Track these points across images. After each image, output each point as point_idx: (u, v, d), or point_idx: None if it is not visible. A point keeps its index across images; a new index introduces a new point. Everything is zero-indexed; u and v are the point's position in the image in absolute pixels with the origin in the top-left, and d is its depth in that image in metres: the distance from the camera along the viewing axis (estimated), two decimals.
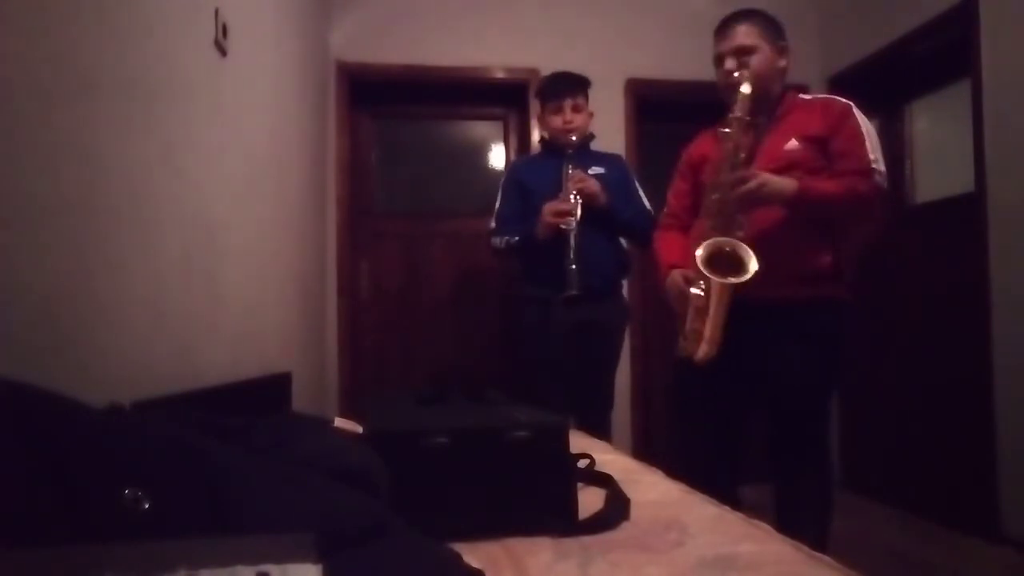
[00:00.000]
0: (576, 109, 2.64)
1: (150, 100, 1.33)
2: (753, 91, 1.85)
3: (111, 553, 0.46)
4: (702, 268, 1.78)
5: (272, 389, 2.03)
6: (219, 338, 1.69)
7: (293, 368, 2.33)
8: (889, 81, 3.51)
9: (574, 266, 2.35)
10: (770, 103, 1.95)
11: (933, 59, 3.27)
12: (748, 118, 1.84)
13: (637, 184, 2.71)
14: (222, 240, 1.72)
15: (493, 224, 2.72)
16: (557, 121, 2.63)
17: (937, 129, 3.48)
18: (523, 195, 2.65)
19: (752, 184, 1.77)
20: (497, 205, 2.74)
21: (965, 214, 2.91)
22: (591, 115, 2.70)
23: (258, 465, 0.68)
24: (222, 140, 1.73)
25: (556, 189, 2.51)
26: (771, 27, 1.96)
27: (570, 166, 2.51)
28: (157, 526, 0.54)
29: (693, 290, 1.86)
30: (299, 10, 2.73)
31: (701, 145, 2.10)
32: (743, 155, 1.84)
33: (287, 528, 0.54)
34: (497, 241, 2.68)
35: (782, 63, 1.98)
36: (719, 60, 1.96)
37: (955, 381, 3.02)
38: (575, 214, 2.40)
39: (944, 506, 3.01)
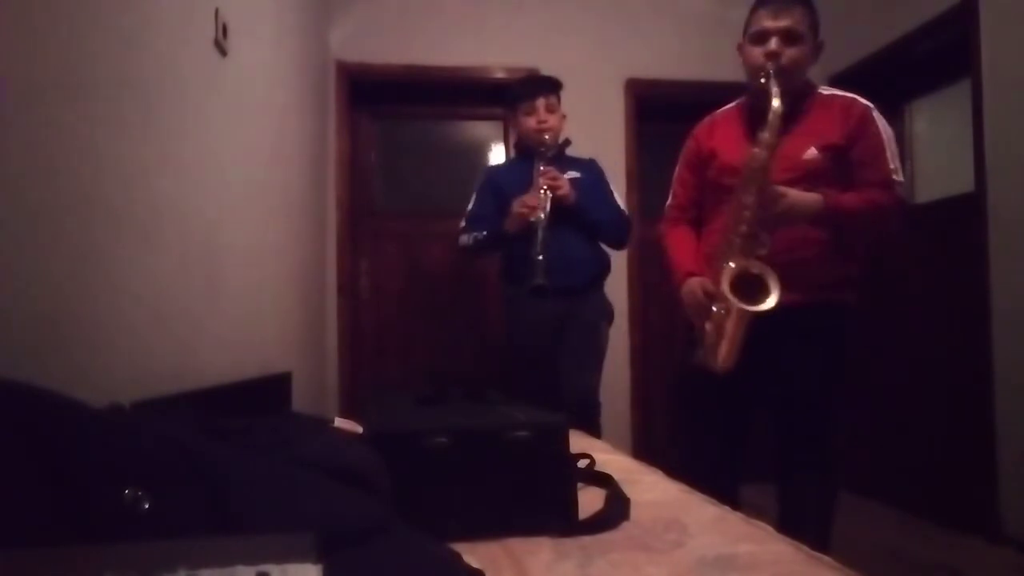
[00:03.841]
0: (549, 109, 2.61)
1: (150, 100, 1.33)
2: (783, 107, 1.72)
3: (111, 553, 0.46)
4: (728, 295, 1.73)
5: (272, 389, 2.03)
6: (219, 338, 1.69)
7: (293, 368, 2.33)
8: (889, 81, 3.51)
9: (540, 256, 2.34)
10: (790, 98, 1.80)
11: (933, 59, 3.27)
12: (775, 140, 1.72)
13: (612, 187, 2.70)
14: (222, 240, 1.72)
15: (463, 223, 2.70)
16: (531, 122, 2.61)
17: (937, 129, 3.48)
18: (497, 199, 2.62)
19: (779, 209, 1.71)
20: (469, 206, 2.72)
21: (965, 214, 2.91)
22: (564, 117, 2.67)
23: (258, 465, 0.68)
24: (222, 140, 1.73)
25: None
26: (816, 21, 1.86)
27: (541, 164, 2.50)
28: (157, 526, 0.54)
29: (715, 308, 1.82)
30: (299, 10, 2.73)
31: (712, 137, 2.01)
32: (769, 175, 1.72)
33: (287, 528, 0.54)
34: (465, 238, 2.66)
35: (813, 60, 1.89)
36: (762, 36, 1.81)
37: (955, 381, 3.02)
38: (544, 207, 2.41)
39: (944, 506, 3.01)
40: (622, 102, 3.66)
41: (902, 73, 3.45)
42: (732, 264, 1.74)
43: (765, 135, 1.72)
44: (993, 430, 2.73)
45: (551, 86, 2.67)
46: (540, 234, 2.36)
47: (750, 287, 1.72)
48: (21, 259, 0.94)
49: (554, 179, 2.47)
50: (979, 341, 2.79)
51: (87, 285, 1.11)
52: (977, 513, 2.78)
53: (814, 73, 3.57)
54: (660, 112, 3.62)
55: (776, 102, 1.72)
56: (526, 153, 2.67)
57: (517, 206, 2.46)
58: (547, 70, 3.18)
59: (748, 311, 1.71)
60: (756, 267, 1.73)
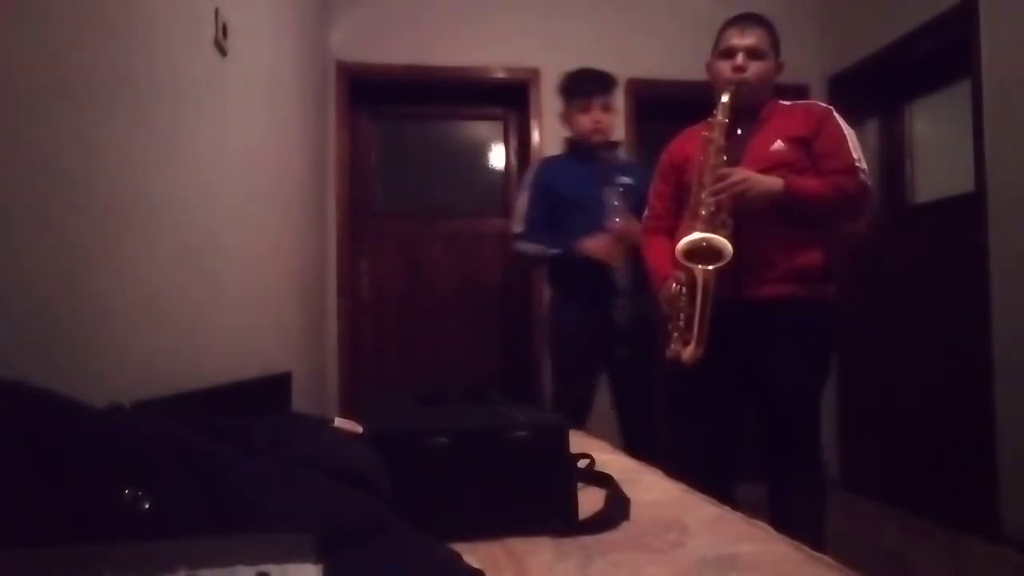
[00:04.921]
0: (605, 108, 2.59)
1: (150, 100, 1.33)
2: (732, 99, 1.88)
3: (111, 553, 0.46)
4: (682, 260, 1.81)
5: (272, 389, 2.03)
6: (219, 338, 1.69)
7: (293, 368, 2.33)
8: (889, 81, 3.51)
9: (622, 321, 2.44)
10: (754, 110, 1.97)
11: (933, 59, 3.27)
12: (726, 120, 1.87)
13: None
14: (222, 240, 1.72)
15: (521, 228, 2.62)
16: (586, 121, 2.56)
17: (937, 129, 3.47)
18: (550, 200, 2.58)
19: (734, 179, 1.79)
20: (525, 208, 2.64)
21: (965, 214, 2.91)
22: (616, 112, 2.64)
23: (258, 465, 0.68)
24: (222, 140, 1.73)
25: (586, 196, 2.50)
26: (777, 42, 2.01)
27: (615, 200, 2.49)
28: (157, 526, 0.54)
29: (674, 286, 1.88)
30: (299, 10, 2.73)
31: (683, 145, 2.09)
32: (724, 157, 1.86)
33: (287, 528, 0.54)
34: (530, 247, 2.59)
35: (776, 77, 2.03)
36: (729, 52, 1.96)
37: (955, 381, 3.02)
38: (619, 261, 2.45)
39: (944, 506, 3.01)
40: (622, 102, 3.65)
41: (902, 73, 3.45)
42: (682, 241, 1.83)
43: (715, 118, 1.89)
44: (993, 430, 2.73)
45: (608, 86, 2.63)
46: (618, 302, 2.47)
47: (704, 258, 1.80)
48: (22, 259, 0.94)
49: (628, 231, 2.42)
50: (979, 341, 2.79)
51: (87, 285, 1.11)
52: (977, 513, 2.78)
53: (813, 74, 3.61)
54: (660, 112, 3.61)
55: (725, 96, 1.89)
56: (579, 151, 2.64)
57: (593, 250, 2.43)
58: (547, 70, 3.18)
59: (707, 277, 1.79)
60: (704, 239, 1.79)
